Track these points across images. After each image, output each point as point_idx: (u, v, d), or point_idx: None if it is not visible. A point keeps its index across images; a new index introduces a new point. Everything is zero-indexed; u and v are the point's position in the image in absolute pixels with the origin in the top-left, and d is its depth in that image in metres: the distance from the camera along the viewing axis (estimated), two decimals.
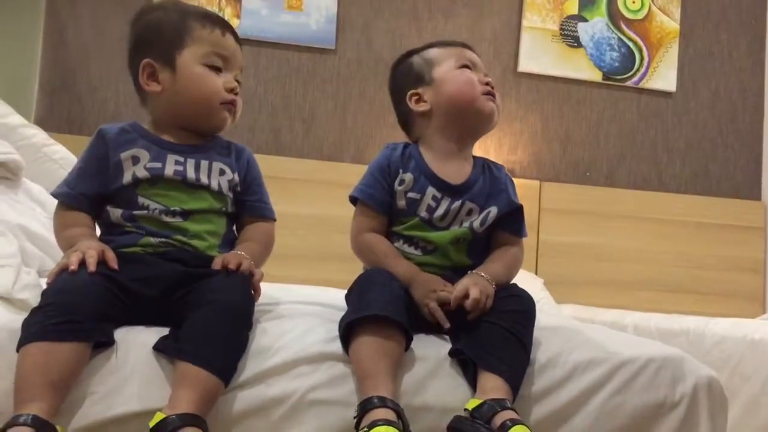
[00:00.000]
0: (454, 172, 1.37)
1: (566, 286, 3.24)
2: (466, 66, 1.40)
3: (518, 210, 1.40)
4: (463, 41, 1.47)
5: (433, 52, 1.43)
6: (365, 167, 3.49)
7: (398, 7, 3.36)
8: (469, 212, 1.35)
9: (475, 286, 1.19)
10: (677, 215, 3.45)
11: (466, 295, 1.18)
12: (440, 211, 1.33)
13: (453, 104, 1.37)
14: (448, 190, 1.34)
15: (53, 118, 3.03)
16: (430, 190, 1.33)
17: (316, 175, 3.19)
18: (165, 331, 1.09)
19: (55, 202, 1.28)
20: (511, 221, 1.38)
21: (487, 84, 1.39)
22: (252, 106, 3.18)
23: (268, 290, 1.54)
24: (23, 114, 2.88)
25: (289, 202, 3.02)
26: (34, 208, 1.60)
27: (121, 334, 1.08)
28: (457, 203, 1.33)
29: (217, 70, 1.29)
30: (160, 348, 1.06)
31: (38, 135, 1.99)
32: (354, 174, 3.37)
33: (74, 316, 1.01)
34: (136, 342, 1.07)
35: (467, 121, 1.38)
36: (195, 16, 1.30)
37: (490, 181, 1.39)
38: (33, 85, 2.99)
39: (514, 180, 3.37)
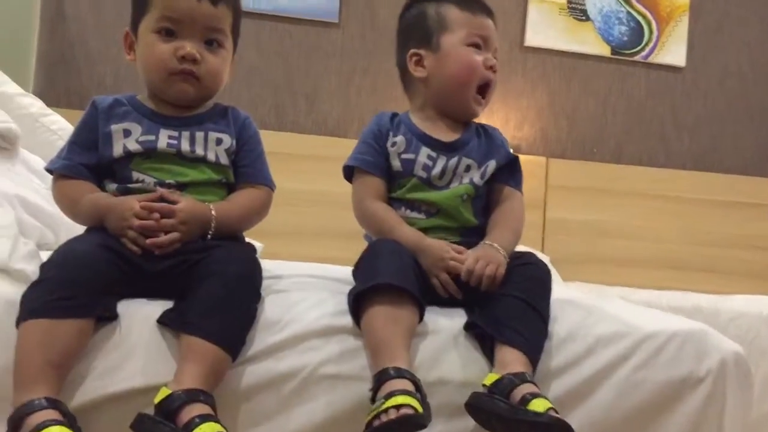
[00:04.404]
0: (446, 132, 1.35)
1: (573, 263, 3.20)
2: (476, 44, 1.34)
3: (515, 162, 1.37)
4: (483, 3, 1.39)
5: (450, 13, 1.36)
6: None
7: None
8: (468, 168, 1.32)
9: (484, 259, 1.15)
10: (685, 192, 3.39)
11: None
12: (437, 170, 1.30)
13: (447, 84, 1.34)
14: (442, 148, 1.32)
15: (51, 92, 2.96)
16: (424, 150, 1.31)
17: (319, 151, 3.13)
18: (169, 304, 1.04)
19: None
20: (509, 174, 1.36)
21: (490, 68, 1.35)
22: (254, 81, 3.11)
23: (271, 266, 1.50)
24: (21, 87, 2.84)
25: (292, 178, 2.96)
26: (32, 179, 1.54)
27: (123, 307, 1.03)
28: (454, 160, 1.31)
29: (169, 35, 1.17)
30: (164, 321, 1.01)
31: (35, 104, 1.93)
32: None
33: (75, 290, 0.96)
34: (140, 315, 1.03)
35: (452, 105, 1.36)
36: None
37: (485, 140, 1.38)
38: (30, 58, 2.92)
39: (520, 156, 3.33)
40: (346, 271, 1.28)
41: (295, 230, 3.01)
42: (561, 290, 1.27)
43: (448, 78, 1.33)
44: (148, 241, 1.06)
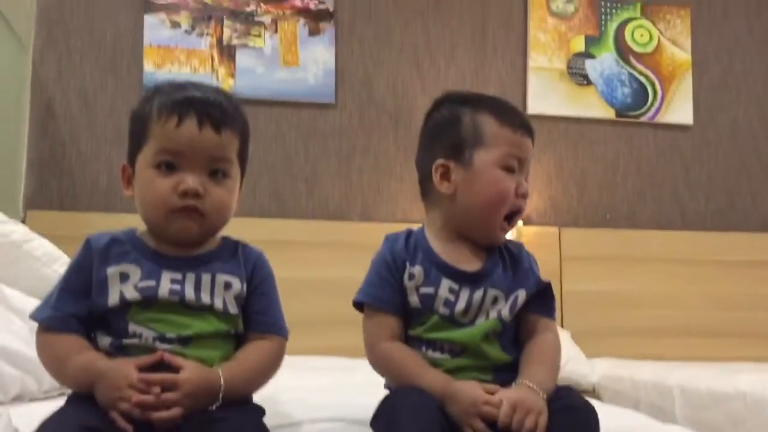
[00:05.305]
0: (468, 258, 1.21)
1: (595, 337, 3.04)
2: (510, 168, 1.20)
3: (547, 288, 1.23)
4: (524, 120, 1.25)
5: (488, 125, 1.21)
6: (373, 225, 3.31)
7: (398, 56, 3.23)
8: (495, 300, 1.18)
9: (522, 406, 1.00)
10: (706, 254, 3.26)
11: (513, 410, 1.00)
12: (461, 305, 1.16)
13: (474, 208, 1.20)
14: (465, 279, 1.17)
15: (43, 195, 2.87)
16: (445, 282, 1.16)
17: (322, 236, 3.03)
18: None
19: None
20: (540, 302, 1.22)
21: (522, 196, 1.21)
22: (251, 168, 3.00)
23: (280, 395, 1.36)
24: (11, 192, 2.75)
25: (295, 266, 2.84)
26: (12, 321, 1.40)
27: None
28: (479, 293, 1.16)
29: (169, 169, 1.06)
30: None
31: (17, 231, 1.80)
32: (362, 232, 3.16)
33: None
34: None
35: (476, 230, 1.22)
36: (158, 104, 1.07)
37: (511, 264, 1.23)
38: (21, 161, 2.85)
39: (532, 228, 3.19)
40: (372, 404, 1.14)
41: (300, 321, 2.83)
42: (610, 419, 1.11)
43: (475, 201, 1.19)
44: (145, 415, 0.92)
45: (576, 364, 2.73)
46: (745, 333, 3.18)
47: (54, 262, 1.70)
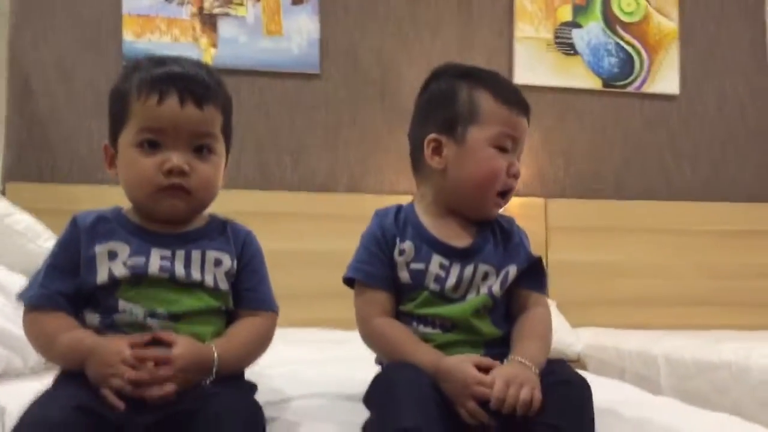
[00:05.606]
0: (459, 234, 1.20)
1: (581, 307, 3.05)
2: (503, 148, 1.18)
3: (537, 263, 1.22)
4: (522, 99, 1.22)
5: (484, 102, 1.18)
6: (360, 196, 3.28)
7: (383, 26, 3.17)
8: (485, 276, 1.16)
9: (515, 382, 0.99)
10: (692, 224, 3.27)
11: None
12: (451, 280, 1.15)
13: (465, 184, 1.18)
14: (455, 255, 1.16)
15: (22, 166, 2.80)
16: (436, 258, 1.15)
17: (308, 208, 3.00)
18: None
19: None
20: (531, 277, 1.20)
21: (514, 176, 1.19)
22: (235, 140, 2.95)
23: (270, 369, 1.35)
24: None
25: (281, 239, 2.81)
26: None
27: None
28: (469, 268, 1.16)
29: (152, 147, 1.04)
30: None
31: None
32: (348, 204, 3.12)
33: None
34: None
35: (468, 206, 1.21)
36: (137, 81, 1.04)
37: (502, 239, 1.21)
38: None
39: (518, 198, 3.18)
40: (363, 379, 1.14)
41: (287, 293, 2.81)
42: (599, 391, 1.12)
43: (466, 179, 1.18)
44: (138, 392, 0.91)
45: (561, 334, 2.74)
46: (730, 302, 3.21)
47: (38, 237, 1.67)
